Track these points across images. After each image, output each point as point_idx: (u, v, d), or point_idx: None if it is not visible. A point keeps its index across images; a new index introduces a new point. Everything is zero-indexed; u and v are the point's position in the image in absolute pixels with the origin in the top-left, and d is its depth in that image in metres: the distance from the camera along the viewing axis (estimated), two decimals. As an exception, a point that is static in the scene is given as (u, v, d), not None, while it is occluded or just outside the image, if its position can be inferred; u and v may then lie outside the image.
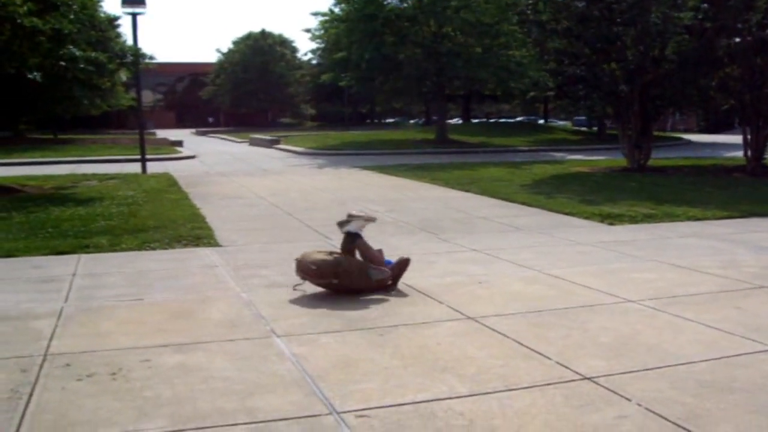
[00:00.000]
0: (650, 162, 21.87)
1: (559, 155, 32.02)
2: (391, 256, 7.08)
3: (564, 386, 4.42)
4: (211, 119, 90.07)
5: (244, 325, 5.77)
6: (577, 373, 4.64)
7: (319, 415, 4.04)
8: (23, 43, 14.38)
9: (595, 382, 4.47)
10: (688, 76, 19.65)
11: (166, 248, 9.25)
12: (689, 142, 43.08)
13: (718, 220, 11.55)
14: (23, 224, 11.06)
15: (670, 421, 3.91)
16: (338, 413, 4.06)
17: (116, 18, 22.70)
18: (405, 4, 37.31)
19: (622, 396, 4.26)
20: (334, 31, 38.31)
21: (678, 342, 5.27)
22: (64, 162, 28.06)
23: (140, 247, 9.24)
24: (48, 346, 5.23)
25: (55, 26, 14.36)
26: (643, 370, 4.69)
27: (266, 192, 15.81)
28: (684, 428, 3.84)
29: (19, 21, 13.72)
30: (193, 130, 73.66)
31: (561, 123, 70.68)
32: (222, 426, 3.92)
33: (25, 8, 14.00)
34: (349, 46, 36.75)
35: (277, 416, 4.02)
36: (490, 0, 34.22)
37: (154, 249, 9.17)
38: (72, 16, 15.43)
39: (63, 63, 14.89)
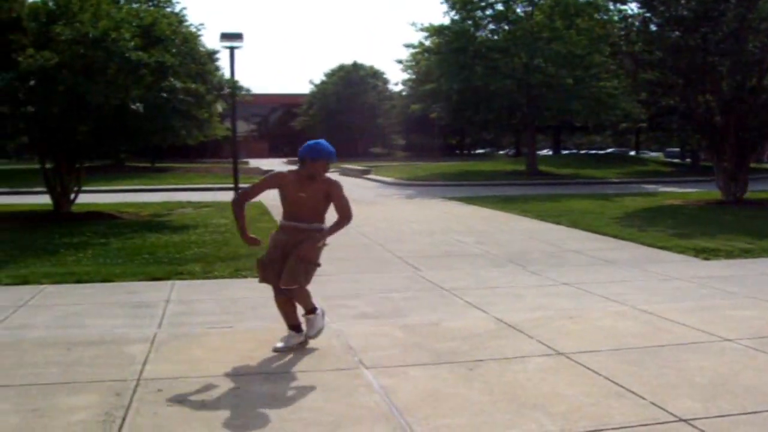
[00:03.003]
0: (747, 195, 21.18)
1: (650, 187, 31.34)
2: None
3: (659, 428, 4.28)
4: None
5: (333, 356, 5.79)
6: (672, 414, 4.48)
7: (406, 449, 4.02)
8: (128, 76, 14.97)
9: (691, 425, 4.31)
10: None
11: (257, 277, 9.35)
12: (788, 175, 41.65)
13: (822, 257, 11.09)
14: (120, 250, 11.42)
15: (771, 469, 3.75)
16: (425, 448, 4.03)
17: (215, 52, 23.50)
18: (496, 37, 37.34)
19: (720, 440, 4.10)
20: (425, 63, 38.56)
21: (780, 385, 5.05)
22: (160, 190, 28.93)
23: (232, 275, 9.40)
24: (141, 371, 5.36)
25: (158, 59, 14.91)
26: (743, 414, 4.50)
27: (355, 221, 15.84)
28: (787, 477, 3.68)
29: (126, 55, 14.29)
30: (284, 160, 74.94)
31: (653, 154, 69.18)
32: (310, 456, 3.93)
33: (132, 43, 14.60)
34: (440, 78, 36.94)
35: (364, 448, 4.02)
36: (582, 32, 33.96)
37: (245, 277, 9.29)
38: (174, 50, 16.01)
39: (164, 94, 15.42)
